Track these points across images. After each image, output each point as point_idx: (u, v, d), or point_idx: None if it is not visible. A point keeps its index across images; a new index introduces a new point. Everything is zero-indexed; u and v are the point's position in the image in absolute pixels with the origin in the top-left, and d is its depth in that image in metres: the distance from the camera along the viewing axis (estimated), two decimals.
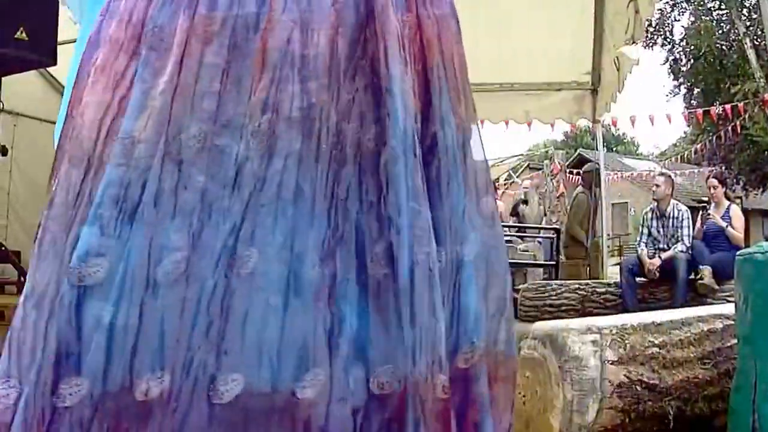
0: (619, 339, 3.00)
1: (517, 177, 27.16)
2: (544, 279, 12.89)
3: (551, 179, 19.37)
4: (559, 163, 19.88)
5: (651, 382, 3.00)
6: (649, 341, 3.09)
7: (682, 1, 32.91)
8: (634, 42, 6.58)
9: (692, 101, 33.54)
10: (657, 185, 9.22)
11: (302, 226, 1.63)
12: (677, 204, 9.18)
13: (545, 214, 18.91)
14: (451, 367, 1.70)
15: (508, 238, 13.44)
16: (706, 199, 9.57)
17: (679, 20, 35.10)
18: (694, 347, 3.21)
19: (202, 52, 1.65)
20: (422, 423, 1.61)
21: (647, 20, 6.02)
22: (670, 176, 9.66)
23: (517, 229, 14.80)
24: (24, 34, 5.36)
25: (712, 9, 31.63)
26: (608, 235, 12.91)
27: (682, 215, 8.99)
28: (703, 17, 31.65)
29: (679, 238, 8.87)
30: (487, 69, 10.14)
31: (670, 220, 9.01)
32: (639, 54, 7.13)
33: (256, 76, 1.66)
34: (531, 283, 10.35)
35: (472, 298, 1.79)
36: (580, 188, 11.89)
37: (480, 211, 1.88)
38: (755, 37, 25.28)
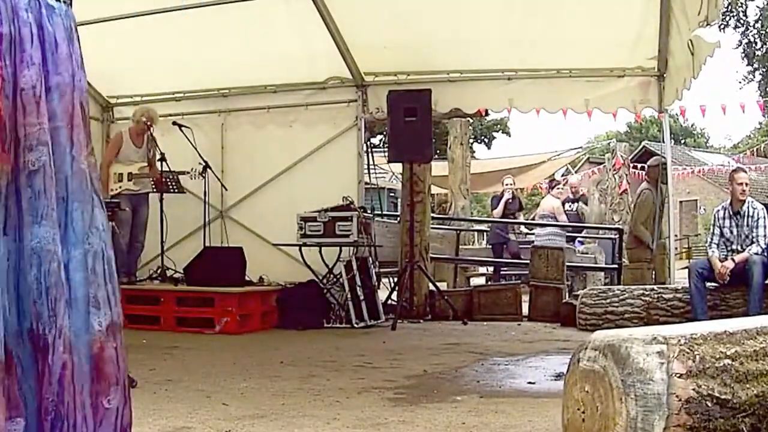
0: (687, 350, 2.97)
1: (575, 171, 27.08)
2: (605, 284, 12.83)
3: (613, 174, 19.26)
4: (621, 156, 19.75)
5: (723, 397, 2.97)
6: (721, 352, 3.05)
7: None
8: (708, 24, 6.48)
9: None
10: (746, 183, 9.01)
11: None
12: (752, 201, 9.06)
13: (606, 213, 18.83)
14: None
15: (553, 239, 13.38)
16: None
17: (753, 0, 34.72)
18: None
19: None
20: None
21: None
22: (745, 171, 9.56)
23: (573, 229, 14.72)
24: None
25: None
26: (676, 235, 12.86)
27: (758, 214, 8.87)
28: None
29: (754, 239, 8.77)
30: (542, 53, 10.14)
31: (745, 219, 8.90)
32: (717, 37, 7.00)
33: None
34: (591, 289, 10.31)
35: None
36: (644, 184, 11.78)
37: None
38: None
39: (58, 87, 2.45)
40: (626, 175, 19.39)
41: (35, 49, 2.39)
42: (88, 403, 2.46)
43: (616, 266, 12.53)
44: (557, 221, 14.32)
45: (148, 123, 10.05)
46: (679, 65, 8.97)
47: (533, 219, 15.25)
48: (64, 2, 2.56)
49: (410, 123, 9.96)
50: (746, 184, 9.01)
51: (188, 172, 10.35)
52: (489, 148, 51.60)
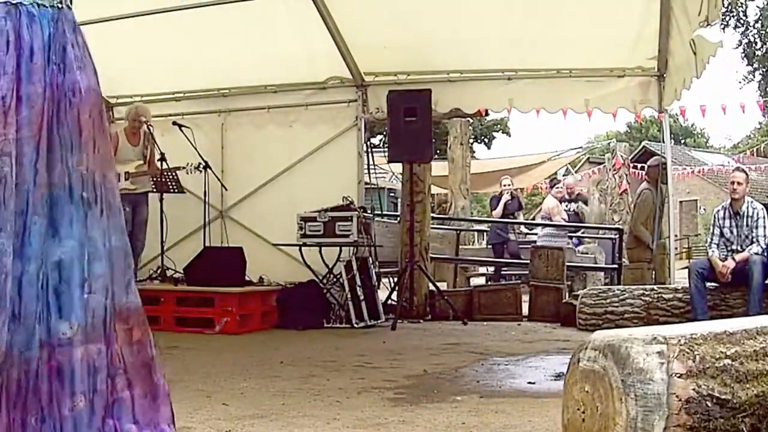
0: (687, 350, 2.96)
1: (575, 171, 27.08)
2: (605, 284, 12.82)
3: (613, 174, 19.25)
4: (621, 156, 19.75)
5: (723, 397, 2.96)
6: (721, 352, 3.05)
7: None
8: (708, 24, 6.48)
9: None
10: (738, 183, 9.02)
11: None
12: (752, 202, 9.07)
13: (606, 213, 18.81)
14: None
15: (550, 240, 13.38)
16: None
17: (753, 0, 34.70)
18: None
19: None
20: None
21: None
22: (746, 172, 9.55)
23: (573, 229, 14.71)
24: None
25: None
26: (676, 235, 12.85)
27: (758, 214, 8.87)
28: None
29: (754, 239, 8.77)
30: (542, 53, 10.13)
31: (744, 219, 8.90)
32: (720, 37, 7.03)
33: None
34: (591, 289, 10.30)
35: None
36: (644, 184, 11.79)
37: None
38: None
39: (28, 97, 2.40)
40: (626, 175, 19.39)
41: (10, 58, 2.34)
42: (19, 421, 2.44)
43: (616, 266, 12.53)
44: (552, 221, 14.33)
45: (145, 121, 10.02)
46: (679, 65, 8.97)
47: (533, 219, 15.23)
48: (59, 6, 2.52)
49: (410, 123, 9.95)
50: (738, 183, 9.01)
51: (184, 168, 10.32)
52: (489, 148, 51.63)
